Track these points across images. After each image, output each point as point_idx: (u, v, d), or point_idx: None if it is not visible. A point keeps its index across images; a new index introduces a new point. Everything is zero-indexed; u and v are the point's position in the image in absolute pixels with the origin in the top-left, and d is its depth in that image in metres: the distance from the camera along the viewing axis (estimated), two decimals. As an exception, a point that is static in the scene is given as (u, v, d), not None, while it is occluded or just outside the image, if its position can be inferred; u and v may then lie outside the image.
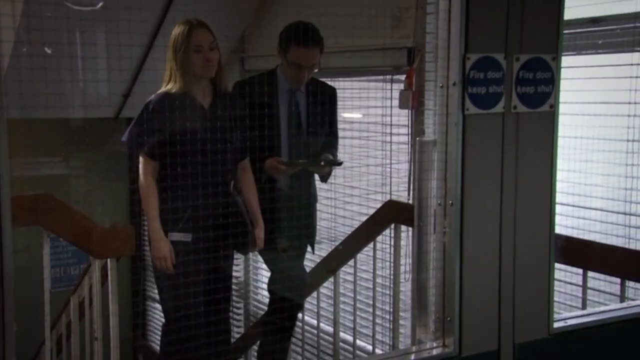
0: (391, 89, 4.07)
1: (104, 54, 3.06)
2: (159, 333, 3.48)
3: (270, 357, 3.45)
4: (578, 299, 2.90)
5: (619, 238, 3.16)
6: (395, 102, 3.89)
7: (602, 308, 1.82)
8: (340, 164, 3.23)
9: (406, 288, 3.27)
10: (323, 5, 2.93)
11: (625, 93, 3.07)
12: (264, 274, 5.16)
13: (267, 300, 5.08)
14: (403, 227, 3.29)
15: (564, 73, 3.26)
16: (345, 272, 3.64)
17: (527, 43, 1.47)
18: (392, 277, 3.60)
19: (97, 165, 2.68)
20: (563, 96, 3.16)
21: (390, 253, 3.61)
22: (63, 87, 2.43)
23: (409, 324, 3.16)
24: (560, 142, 3.19)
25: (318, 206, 3.57)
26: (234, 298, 4.86)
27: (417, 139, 1.53)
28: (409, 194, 3.76)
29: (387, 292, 3.71)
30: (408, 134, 3.92)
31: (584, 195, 3.31)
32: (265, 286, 5.21)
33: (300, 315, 3.63)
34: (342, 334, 3.67)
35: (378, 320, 3.61)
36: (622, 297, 2.73)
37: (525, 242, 1.53)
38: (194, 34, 2.73)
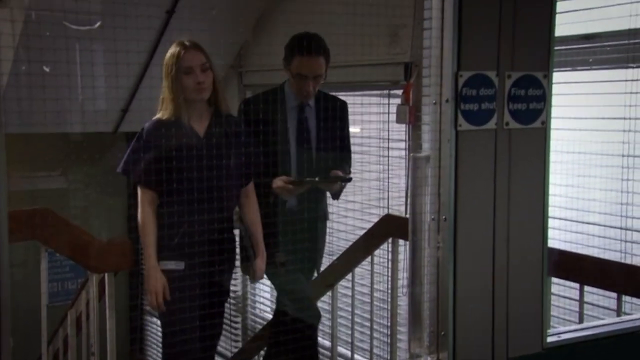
0: (388, 104, 4.10)
1: (103, 70, 3.07)
2: (157, 347, 3.48)
3: None
4: (576, 314, 2.91)
5: (616, 253, 3.17)
6: (393, 117, 3.92)
7: (596, 322, 1.83)
8: (349, 180, 3.12)
9: (404, 302, 3.25)
10: (321, 21, 2.87)
11: (621, 108, 3.10)
12: (263, 287, 5.16)
13: (265, 315, 5.09)
14: (401, 241, 3.30)
15: (560, 89, 3.30)
16: (343, 286, 3.65)
17: (519, 61, 1.49)
18: (389, 291, 3.60)
19: (96, 180, 2.66)
20: (560, 112, 3.20)
21: (388, 267, 3.62)
22: (62, 103, 2.42)
23: (406, 338, 3.16)
24: (559, 157, 3.25)
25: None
26: (232, 312, 4.86)
27: (411, 154, 1.55)
28: (406, 209, 3.77)
29: (385, 306, 3.71)
30: (405, 149, 3.94)
31: (582, 210, 3.32)
32: (263, 300, 5.22)
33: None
34: (340, 349, 3.67)
35: (376, 335, 3.61)
36: (619, 312, 2.74)
37: (518, 256, 1.54)
38: (184, 56, 2.65)
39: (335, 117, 3.13)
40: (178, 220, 2.65)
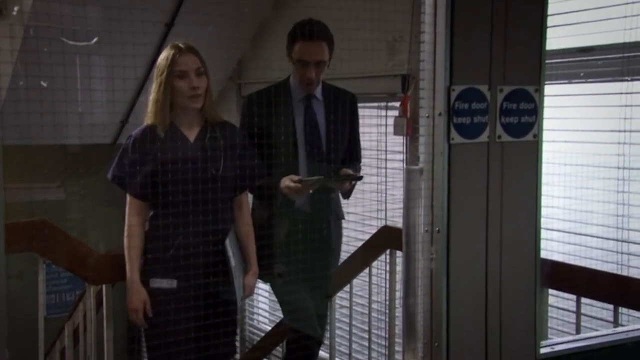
0: (386, 116, 4.13)
1: (102, 81, 3.08)
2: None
3: None
4: (573, 325, 2.92)
5: (613, 264, 3.19)
6: (391, 129, 3.94)
7: (590, 334, 1.84)
8: (360, 178, 2.97)
9: (401, 313, 3.24)
10: None
11: (616, 121, 3.12)
12: (260, 299, 5.16)
13: (262, 326, 5.08)
14: (399, 253, 3.31)
15: (558, 101, 3.33)
16: (341, 297, 3.65)
17: (511, 75, 1.51)
18: (387, 302, 3.61)
19: (94, 191, 2.64)
20: (558, 124, 3.23)
21: (385, 279, 3.63)
22: (60, 115, 2.41)
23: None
24: (557, 169, 3.27)
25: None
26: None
27: (405, 167, 1.56)
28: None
29: (383, 317, 3.71)
30: (403, 160, 3.96)
31: (578, 222, 3.34)
32: (262, 312, 5.21)
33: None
34: (337, 360, 3.67)
35: (374, 346, 3.62)
36: (616, 324, 2.75)
37: (511, 268, 1.56)
38: (178, 59, 2.51)
39: (345, 110, 2.98)
40: (169, 233, 2.53)
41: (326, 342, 3.61)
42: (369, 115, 4.13)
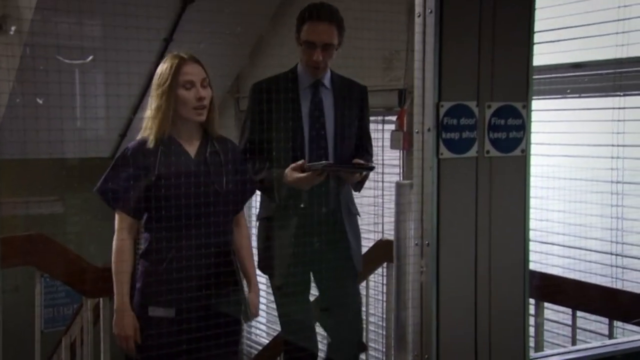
0: (383, 130, 4.16)
1: (102, 96, 3.10)
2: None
3: None
4: (569, 339, 2.94)
5: (606, 278, 3.21)
6: (387, 143, 3.97)
7: (579, 346, 1.86)
8: (372, 168, 2.80)
9: (393, 326, 3.22)
10: None
11: (609, 136, 3.16)
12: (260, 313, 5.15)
13: (260, 340, 5.08)
14: (394, 266, 3.31)
15: (552, 116, 3.36)
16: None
17: (498, 91, 1.55)
18: (384, 315, 3.62)
19: (92, 205, 2.64)
20: (551, 138, 3.26)
21: (382, 292, 3.64)
22: (60, 127, 2.38)
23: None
24: (551, 183, 3.29)
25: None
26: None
27: (396, 181, 1.60)
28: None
29: (380, 331, 3.72)
30: (400, 174, 3.99)
31: (573, 236, 3.37)
32: (260, 325, 5.21)
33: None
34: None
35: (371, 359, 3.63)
36: (611, 337, 2.77)
37: (500, 280, 1.58)
38: (183, 69, 2.39)
39: (355, 101, 2.86)
40: (170, 255, 2.37)
41: (322, 355, 3.62)
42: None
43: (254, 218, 3.28)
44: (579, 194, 3.31)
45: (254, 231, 3.03)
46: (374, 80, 4.01)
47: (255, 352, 4.56)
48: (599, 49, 3.21)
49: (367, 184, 4.10)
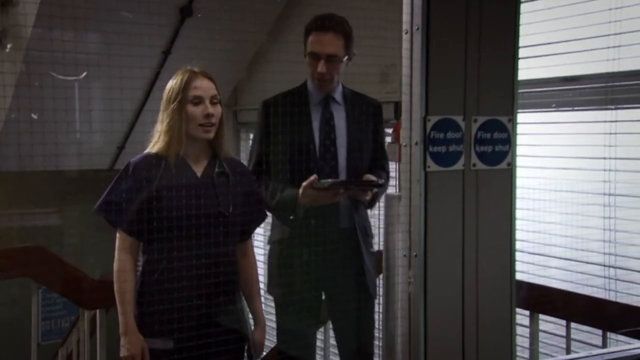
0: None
1: (101, 109, 3.13)
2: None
3: None
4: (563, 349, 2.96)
5: (599, 289, 3.24)
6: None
7: (566, 356, 1.89)
8: (380, 185, 2.67)
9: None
10: None
11: (602, 148, 3.19)
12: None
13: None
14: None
15: (545, 129, 3.39)
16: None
17: (484, 106, 1.58)
18: (380, 327, 3.62)
19: (90, 217, 2.63)
20: (543, 151, 3.29)
21: (379, 303, 3.65)
22: (59, 139, 2.36)
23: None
24: (547, 195, 3.32)
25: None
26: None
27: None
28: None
29: (378, 342, 3.73)
30: (396, 186, 4.01)
31: (570, 248, 3.40)
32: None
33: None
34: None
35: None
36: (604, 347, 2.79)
37: (487, 291, 1.61)
38: (194, 83, 2.29)
39: (368, 116, 2.74)
40: (171, 287, 2.22)
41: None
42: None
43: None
44: (574, 205, 3.34)
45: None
46: (371, 93, 4.04)
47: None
48: (591, 62, 3.25)
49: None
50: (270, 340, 3.23)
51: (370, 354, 2.90)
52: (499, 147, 1.61)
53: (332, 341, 3.64)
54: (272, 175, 2.61)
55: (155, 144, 2.33)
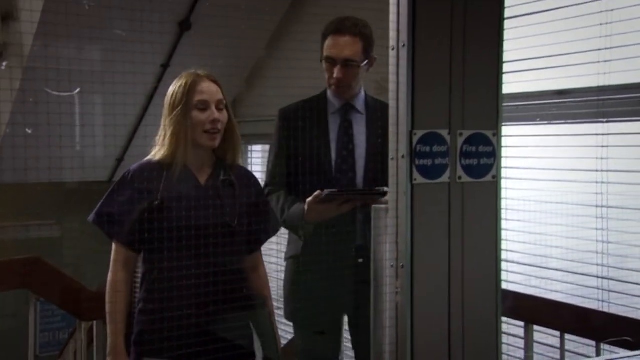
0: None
1: (100, 122, 3.16)
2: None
3: None
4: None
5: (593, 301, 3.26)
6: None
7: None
8: (383, 194, 2.38)
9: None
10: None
11: (594, 161, 3.24)
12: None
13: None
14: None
15: (537, 141, 3.43)
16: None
17: (470, 120, 1.62)
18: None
19: (88, 228, 2.64)
20: (535, 163, 3.33)
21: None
22: (58, 152, 2.37)
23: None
24: (539, 207, 3.36)
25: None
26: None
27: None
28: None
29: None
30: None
31: (554, 258, 3.44)
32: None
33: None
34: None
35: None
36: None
37: (473, 301, 1.65)
38: (199, 87, 2.17)
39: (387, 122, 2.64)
40: (171, 305, 2.10)
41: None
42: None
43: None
44: (565, 217, 3.38)
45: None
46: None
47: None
48: (583, 77, 3.30)
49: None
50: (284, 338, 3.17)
51: None
52: (484, 160, 1.65)
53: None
54: (285, 187, 2.52)
55: (157, 152, 2.23)
